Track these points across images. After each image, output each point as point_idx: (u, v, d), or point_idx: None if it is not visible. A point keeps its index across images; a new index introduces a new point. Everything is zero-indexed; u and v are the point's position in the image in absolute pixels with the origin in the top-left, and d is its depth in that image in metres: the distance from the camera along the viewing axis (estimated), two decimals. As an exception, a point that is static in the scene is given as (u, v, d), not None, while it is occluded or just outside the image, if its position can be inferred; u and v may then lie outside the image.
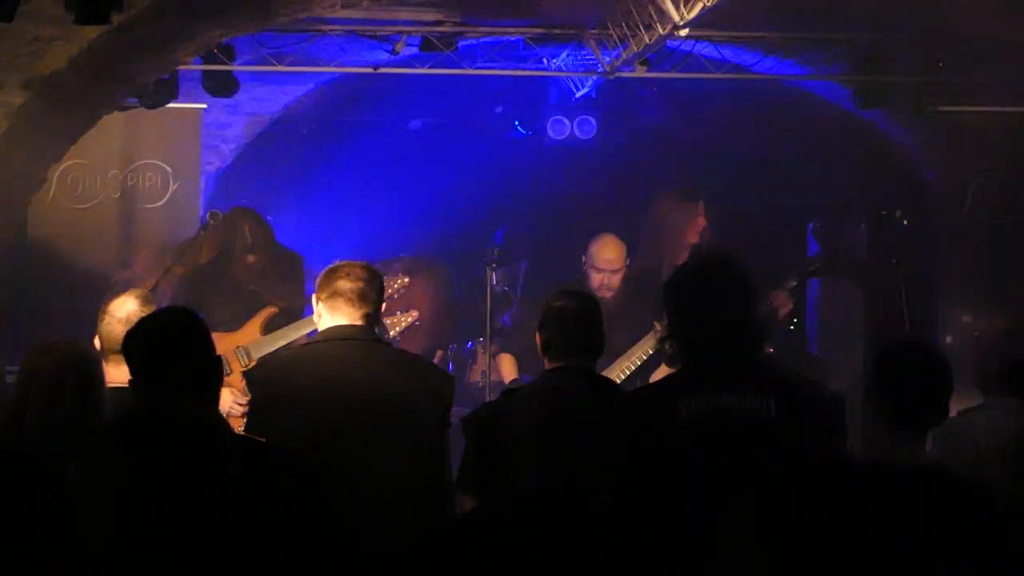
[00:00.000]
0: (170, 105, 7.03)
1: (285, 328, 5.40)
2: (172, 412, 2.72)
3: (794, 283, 6.02)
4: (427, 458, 3.66)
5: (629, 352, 5.54)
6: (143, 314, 3.54)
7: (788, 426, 3.04)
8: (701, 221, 6.42)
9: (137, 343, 2.91)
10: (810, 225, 7.90)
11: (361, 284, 3.76)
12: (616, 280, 5.89)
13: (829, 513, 2.58)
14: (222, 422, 2.98)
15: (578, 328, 3.73)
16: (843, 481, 2.62)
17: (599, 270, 5.90)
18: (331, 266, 3.85)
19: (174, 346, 2.88)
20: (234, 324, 5.73)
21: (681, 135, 8.02)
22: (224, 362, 5.60)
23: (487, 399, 5.65)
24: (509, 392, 3.61)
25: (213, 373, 2.95)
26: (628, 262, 5.97)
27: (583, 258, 5.98)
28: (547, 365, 3.76)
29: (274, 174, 7.90)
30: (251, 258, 6.14)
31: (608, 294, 5.78)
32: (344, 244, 7.04)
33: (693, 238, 6.37)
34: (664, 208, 6.49)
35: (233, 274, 6.16)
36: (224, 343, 5.46)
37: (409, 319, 5.55)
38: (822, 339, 7.54)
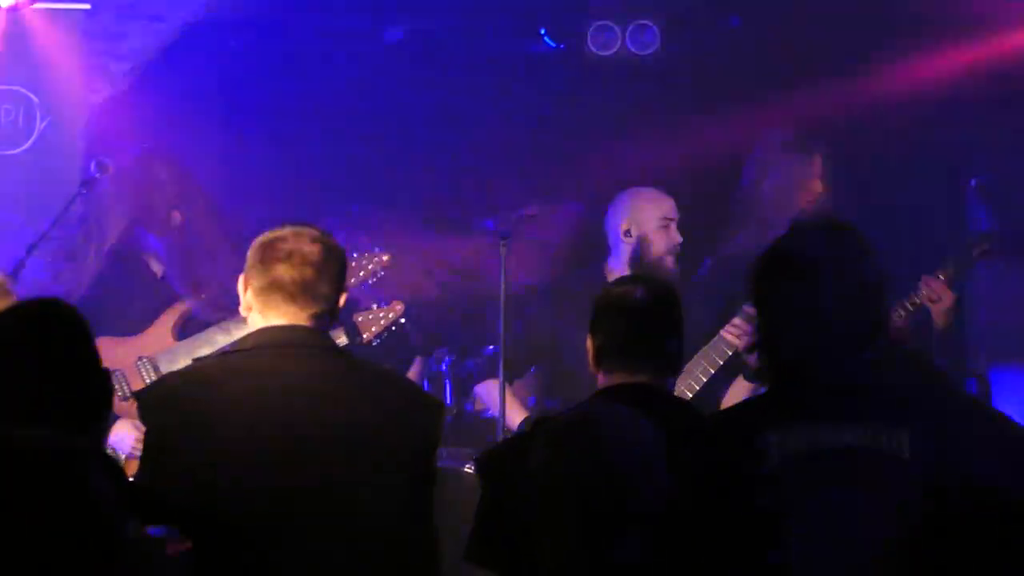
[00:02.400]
0: (37, 6, 7.06)
1: (210, 330, 5.49)
2: (33, 448, 2.69)
3: (954, 268, 6.06)
4: (403, 524, 3.70)
5: (697, 359, 5.77)
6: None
7: (930, 473, 3.02)
8: (816, 185, 6.50)
9: None
10: (971, 182, 7.81)
11: (310, 272, 3.78)
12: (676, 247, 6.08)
13: None
14: (112, 466, 3.02)
15: (646, 328, 3.75)
16: None
17: (665, 221, 6.07)
18: (267, 235, 3.86)
19: (34, 356, 2.91)
20: (138, 324, 5.79)
21: (781, 50, 7.88)
22: (120, 380, 5.59)
23: (499, 434, 5.73)
24: (540, 423, 3.57)
25: (95, 396, 2.97)
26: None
27: (622, 225, 6.16)
28: (600, 383, 3.79)
29: (189, 105, 7.79)
30: (177, 215, 6.12)
31: (672, 259, 5.99)
32: (291, 206, 6.98)
33: (804, 206, 6.45)
34: (767, 162, 6.54)
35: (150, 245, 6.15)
36: (123, 352, 5.52)
37: (392, 315, 5.60)
38: (992, 347, 7.43)
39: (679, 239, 6.17)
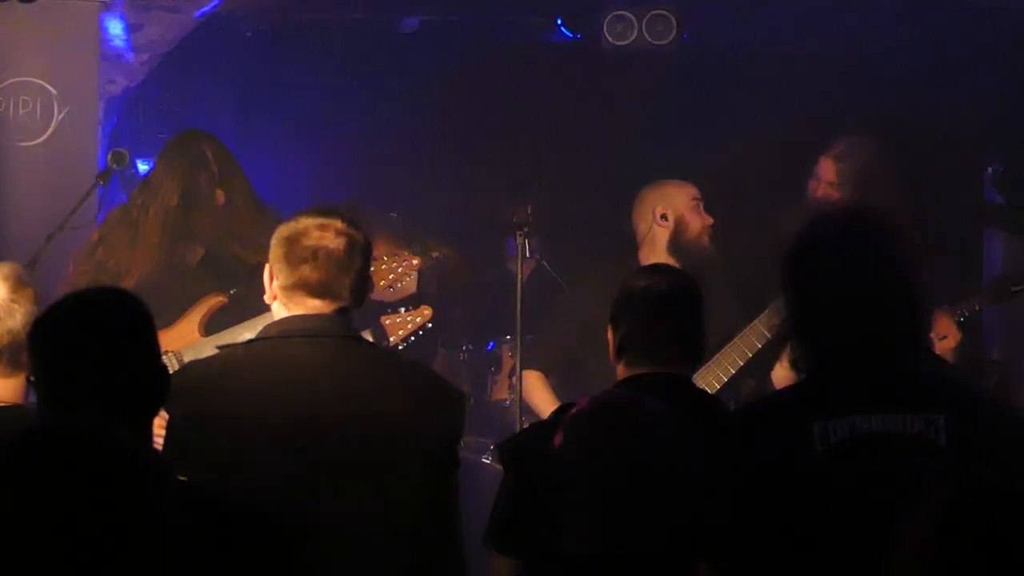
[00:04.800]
0: (56, -4, 7.08)
1: (237, 327, 5.42)
2: (86, 436, 2.70)
3: (976, 307, 5.94)
4: (426, 510, 3.70)
5: (727, 349, 5.73)
6: (13, 303, 3.66)
7: (966, 458, 3.07)
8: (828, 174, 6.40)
9: (44, 340, 2.91)
10: (988, 170, 7.81)
11: (335, 272, 3.79)
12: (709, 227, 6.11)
13: None
14: (157, 458, 3.03)
15: (670, 318, 3.77)
16: None
17: (696, 202, 6.11)
18: (292, 227, 3.86)
19: (104, 347, 2.88)
20: (172, 316, 5.74)
21: (800, 41, 7.91)
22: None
23: (518, 425, 5.71)
24: (562, 411, 3.63)
25: (153, 391, 2.96)
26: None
27: (658, 210, 6.15)
28: (621, 374, 3.80)
29: (205, 97, 7.90)
30: (221, 194, 6.10)
31: (707, 238, 6.04)
32: (305, 196, 6.98)
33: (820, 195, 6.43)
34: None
35: (193, 225, 6.10)
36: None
37: (419, 319, 5.55)
38: (1007, 336, 7.43)
39: (710, 219, 6.15)
